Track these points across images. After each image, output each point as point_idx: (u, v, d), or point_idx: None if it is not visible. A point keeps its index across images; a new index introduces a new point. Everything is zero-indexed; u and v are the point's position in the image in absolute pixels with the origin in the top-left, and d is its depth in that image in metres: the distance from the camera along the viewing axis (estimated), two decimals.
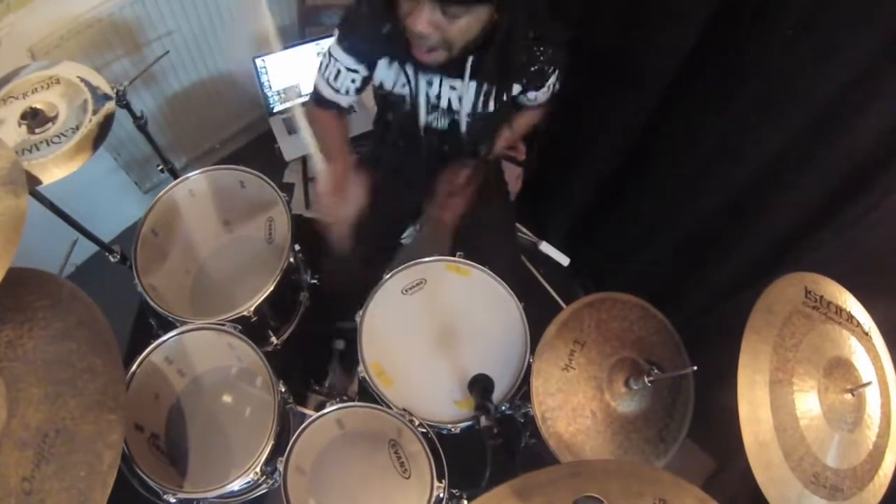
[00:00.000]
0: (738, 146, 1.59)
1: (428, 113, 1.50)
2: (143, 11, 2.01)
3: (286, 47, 2.26)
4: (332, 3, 2.45)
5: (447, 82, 1.42)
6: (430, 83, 1.42)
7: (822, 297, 1.12)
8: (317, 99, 1.53)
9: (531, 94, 1.52)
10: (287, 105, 2.41)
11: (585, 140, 1.96)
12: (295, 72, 2.34)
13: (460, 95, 1.43)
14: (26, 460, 0.95)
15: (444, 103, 1.46)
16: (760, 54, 1.43)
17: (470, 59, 1.34)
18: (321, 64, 1.48)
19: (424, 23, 1.14)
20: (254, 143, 2.84)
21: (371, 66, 1.44)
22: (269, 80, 2.30)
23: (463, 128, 1.51)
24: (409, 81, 1.41)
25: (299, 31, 2.42)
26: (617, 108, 1.83)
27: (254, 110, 2.69)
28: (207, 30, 2.25)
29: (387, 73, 1.44)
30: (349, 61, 1.43)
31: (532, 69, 1.42)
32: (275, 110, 2.41)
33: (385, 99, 1.52)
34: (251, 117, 2.75)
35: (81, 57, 1.90)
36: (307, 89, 2.40)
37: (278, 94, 2.37)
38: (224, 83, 2.48)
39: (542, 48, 1.40)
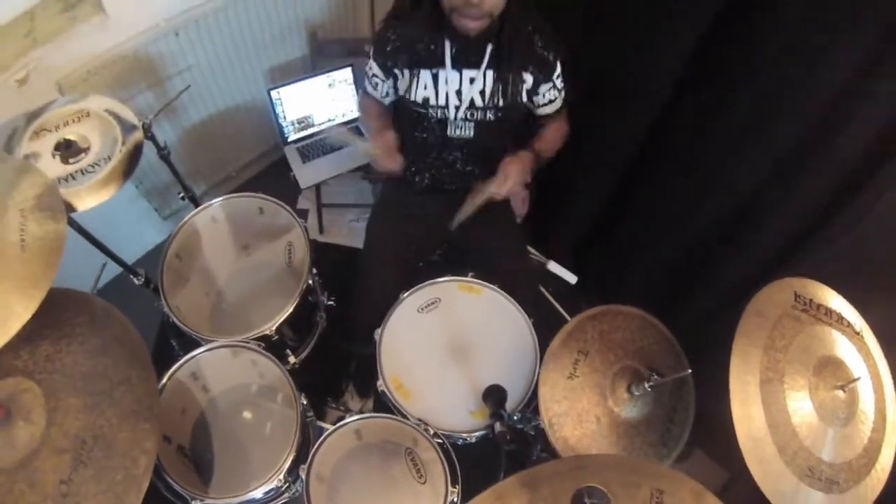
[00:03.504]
0: (733, 161, 1.65)
1: (453, 121, 1.67)
2: (165, 48, 2.12)
3: (299, 79, 2.38)
4: (342, 38, 2.56)
5: (466, 74, 1.59)
6: (448, 80, 1.60)
7: (811, 300, 1.18)
8: (364, 91, 1.79)
9: (543, 92, 1.68)
10: (301, 134, 2.51)
11: (586, 161, 2.03)
12: (308, 103, 2.45)
13: (480, 89, 1.61)
14: (64, 464, 1.03)
15: (465, 98, 1.62)
16: (749, 73, 1.49)
17: (488, 48, 1.55)
18: (366, 69, 1.72)
19: None
20: (269, 170, 2.95)
21: (389, 76, 1.66)
22: (283, 111, 2.40)
23: (489, 115, 1.65)
24: (431, 84, 1.61)
25: (311, 63, 2.52)
26: (616, 128, 1.91)
27: (269, 139, 2.80)
28: (224, 63, 2.36)
29: (408, 83, 1.63)
30: (375, 68, 1.67)
31: (534, 54, 1.60)
32: (289, 139, 2.50)
33: (408, 113, 1.69)
34: (266, 146, 2.86)
35: (107, 90, 2.00)
36: (320, 119, 2.52)
37: (292, 124, 2.46)
38: (240, 113, 2.59)
39: (539, 36, 1.59)
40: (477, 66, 1.58)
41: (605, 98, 1.83)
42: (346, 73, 2.44)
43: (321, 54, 2.48)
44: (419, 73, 1.61)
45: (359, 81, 2.47)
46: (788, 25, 1.38)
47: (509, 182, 1.61)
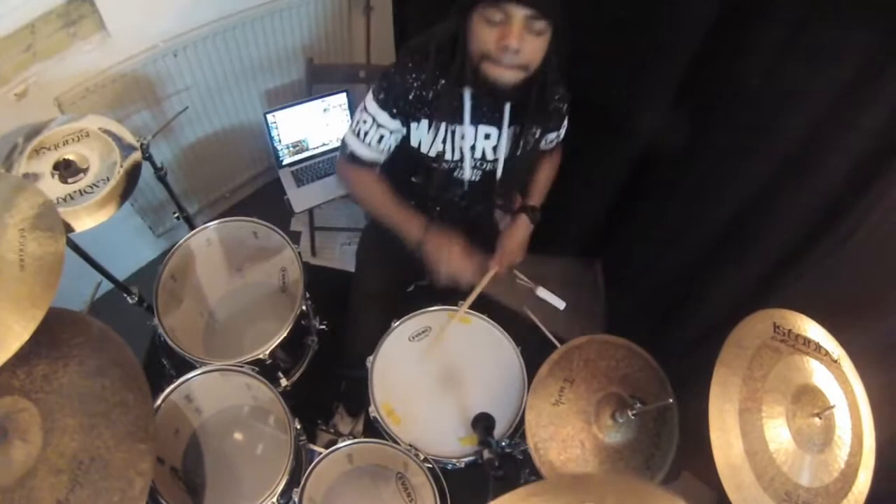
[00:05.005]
0: (733, 161, 1.67)
1: (459, 169, 1.58)
2: (164, 68, 2.16)
3: (295, 103, 2.42)
4: (338, 64, 2.62)
5: (482, 131, 1.51)
6: (464, 136, 1.50)
7: (790, 330, 1.21)
8: (349, 156, 1.54)
9: (550, 136, 1.67)
10: (296, 158, 2.54)
11: (574, 191, 2.07)
12: (303, 127, 2.49)
13: (494, 145, 1.54)
14: (61, 485, 1.05)
15: (478, 154, 1.55)
16: (730, 107, 1.55)
17: (507, 105, 1.46)
18: (354, 120, 1.53)
19: (517, 35, 1.24)
20: (263, 190, 2.99)
21: (405, 124, 1.50)
22: (278, 135, 2.45)
23: (499, 174, 1.60)
24: (450, 138, 1.50)
25: (307, 88, 2.56)
26: (602, 161, 1.96)
27: (263, 161, 2.85)
28: (222, 86, 2.41)
29: (424, 135, 1.51)
30: (383, 117, 1.47)
31: (552, 108, 1.56)
32: (284, 163, 2.53)
33: (407, 159, 1.57)
34: (260, 167, 2.91)
35: (105, 109, 2.04)
36: (314, 143, 2.56)
37: (287, 147, 2.50)
38: (236, 135, 2.63)
39: (556, 88, 1.54)
40: (494, 123, 1.50)
41: (591, 136, 1.83)
42: (342, 99, 2.49)
43: (317, 79, 2.53)
44: (438, 126, 1.48)
45: (353, 107, 2.52)
46: (762, 68, 1.43)
47: (509, 258, 1.65)
